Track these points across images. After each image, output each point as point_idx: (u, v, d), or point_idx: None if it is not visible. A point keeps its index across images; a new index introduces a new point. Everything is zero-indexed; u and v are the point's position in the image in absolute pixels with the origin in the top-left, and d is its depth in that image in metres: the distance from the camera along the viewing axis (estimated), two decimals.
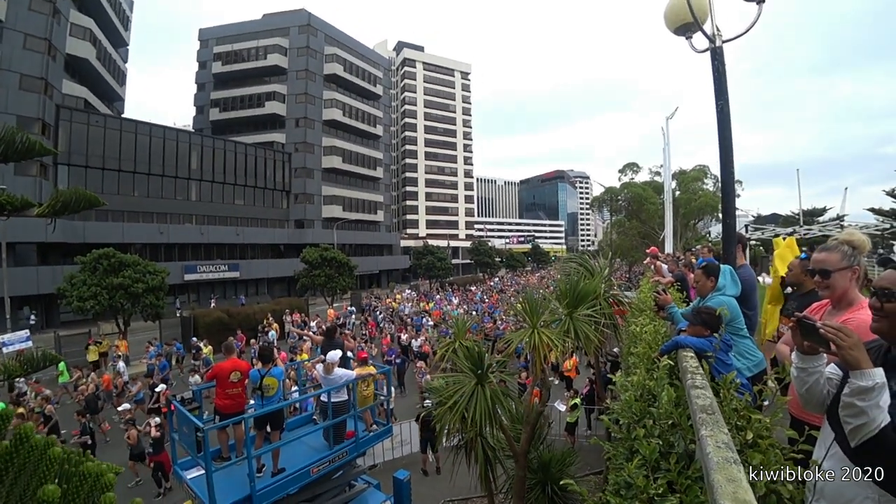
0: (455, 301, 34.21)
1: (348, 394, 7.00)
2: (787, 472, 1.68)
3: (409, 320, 25.14)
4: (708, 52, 4.80)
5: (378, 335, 22.91)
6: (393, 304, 32.17)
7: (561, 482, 2.85)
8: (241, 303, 34.71)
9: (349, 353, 8.76)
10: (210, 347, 18.55)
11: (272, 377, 6.32)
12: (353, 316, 27.20)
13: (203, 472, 5.55)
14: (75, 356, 17.82)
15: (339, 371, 6.66)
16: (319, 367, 6.71)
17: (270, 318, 23.88)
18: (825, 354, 1.75)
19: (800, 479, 1.73)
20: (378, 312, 28.47)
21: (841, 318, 2.24)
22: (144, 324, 22.89)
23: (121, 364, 16.36)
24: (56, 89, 30.51)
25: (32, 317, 27.01)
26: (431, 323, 24.33)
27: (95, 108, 35.48)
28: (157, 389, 13.20)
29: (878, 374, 1.51)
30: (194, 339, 20.03)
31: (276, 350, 8.74)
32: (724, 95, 4.78)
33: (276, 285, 44.54)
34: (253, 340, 21.23)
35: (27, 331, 17.66)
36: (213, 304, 32.77)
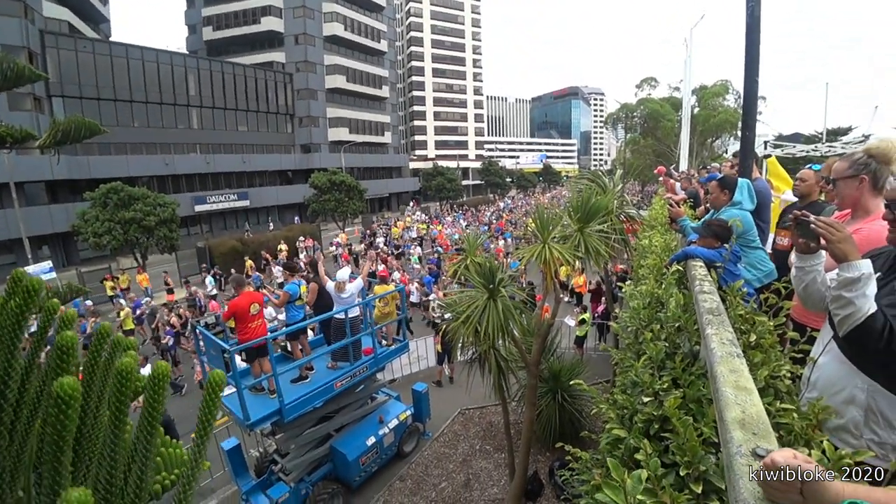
0: (463, 223, 34.17)
1: (361, 312, 7.34)
2: (786, 368, 1.77)
3: (390, 250, 24.19)
4: None
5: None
6: (394, 229, 31.07)
7: (571, 382, 3.03)
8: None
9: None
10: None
11: (303, 285, 6.89)
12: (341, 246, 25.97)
13: (234, 390, 5.98)
14: (98, 292, 18.26)
15: (349, 287, 6.88)
16: (331, 285, 6.90)
17: (283, 245, 24.41)
18: (822, 253, 1.79)
19: (796, 374, 1.83)
20: (377, 238, 27.95)
21: (852, 228, 2.23)
22: (162, 256, 23.51)
23: None
24: (37, 12, 28.83)
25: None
26: (418, 255, 23.16)
27: (81, 31, 33.76)
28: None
29: (865, 265, 1.55)
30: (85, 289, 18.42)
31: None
32: None
33: (286, 212, 44.70)
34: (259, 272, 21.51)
35: (49, 262, 17.99)
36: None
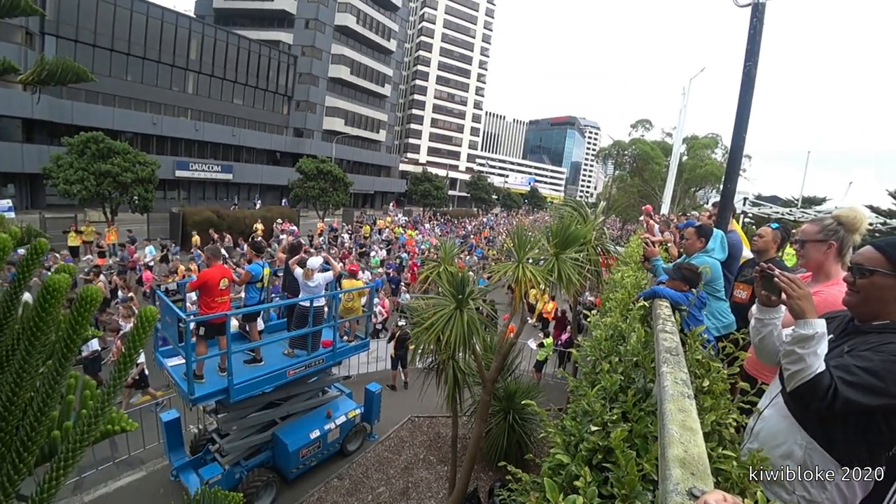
0: (437, 233, 33.93)
1: (328, 303, 7.22)
2: (732, 416, 1.80)
3: (353, 247, 23.47)
4: (748, 9, 4.61)
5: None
6: (365, 227, 30.18)
7: (523, 402, 3.02)
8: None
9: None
10: None
11: (266, 267, 6.67)
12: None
13: (183, 361, 5.77)
14: (59, 240, 17.31)
15: (318, 276, 6.77)
16: (298, 271, 6.79)
17: (260, 225, 23.92)
18: (782, 308, 1.85)
19: (742, 424, 1.86)
20: (346, 235, 27.23)
21: (813, 290, 2.31)
22: (133, 215, 22.70)
23: None
24: None
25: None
26: (381, 258, 22.26)
27: None
28: None
29: (819, 325, 1.60)
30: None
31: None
32: (754, 57, 4.64)
33: (267, 192, 43.99)
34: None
35: (9, 200, 17.12)
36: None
